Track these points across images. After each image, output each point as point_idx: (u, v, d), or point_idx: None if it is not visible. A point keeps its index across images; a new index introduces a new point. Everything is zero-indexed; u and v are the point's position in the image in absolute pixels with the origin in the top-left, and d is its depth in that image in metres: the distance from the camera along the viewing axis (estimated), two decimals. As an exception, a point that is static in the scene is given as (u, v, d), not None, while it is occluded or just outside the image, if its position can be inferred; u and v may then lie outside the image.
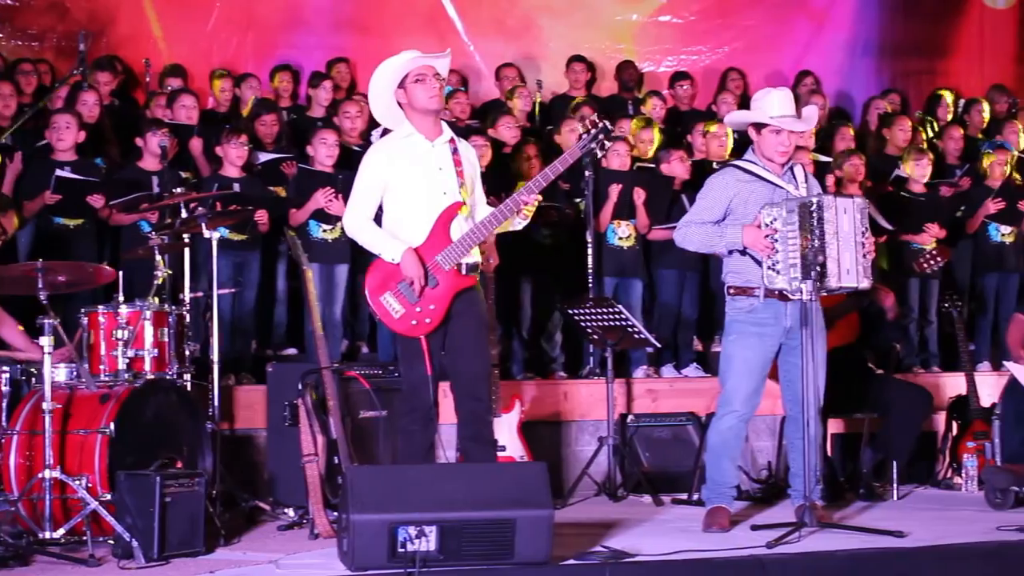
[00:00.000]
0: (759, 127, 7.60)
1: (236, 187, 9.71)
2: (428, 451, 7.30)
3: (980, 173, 11.77)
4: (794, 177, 7.65)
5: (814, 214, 7.29)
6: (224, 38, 13.59)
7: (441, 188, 7.20)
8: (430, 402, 7.14)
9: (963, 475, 9.36)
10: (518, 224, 7.38)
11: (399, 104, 7.29)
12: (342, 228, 9.73)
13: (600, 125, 7.36)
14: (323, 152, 10.02)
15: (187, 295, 8.37)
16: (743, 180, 7.61)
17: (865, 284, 7.51)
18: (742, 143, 11.55)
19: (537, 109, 13.04)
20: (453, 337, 7.17)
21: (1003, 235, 11.46)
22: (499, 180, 9.90)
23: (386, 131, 10.18)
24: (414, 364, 7.14)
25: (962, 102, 14.08)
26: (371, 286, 7.13)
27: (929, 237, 11.01)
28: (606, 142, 7.48)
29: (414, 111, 7.23)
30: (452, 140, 7.35)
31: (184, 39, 13.34)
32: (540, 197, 7.31)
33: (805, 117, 7.79)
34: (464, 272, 7.17)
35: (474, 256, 7.23)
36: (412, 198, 7.18)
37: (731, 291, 7.64)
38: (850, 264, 7.40)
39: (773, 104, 7.61)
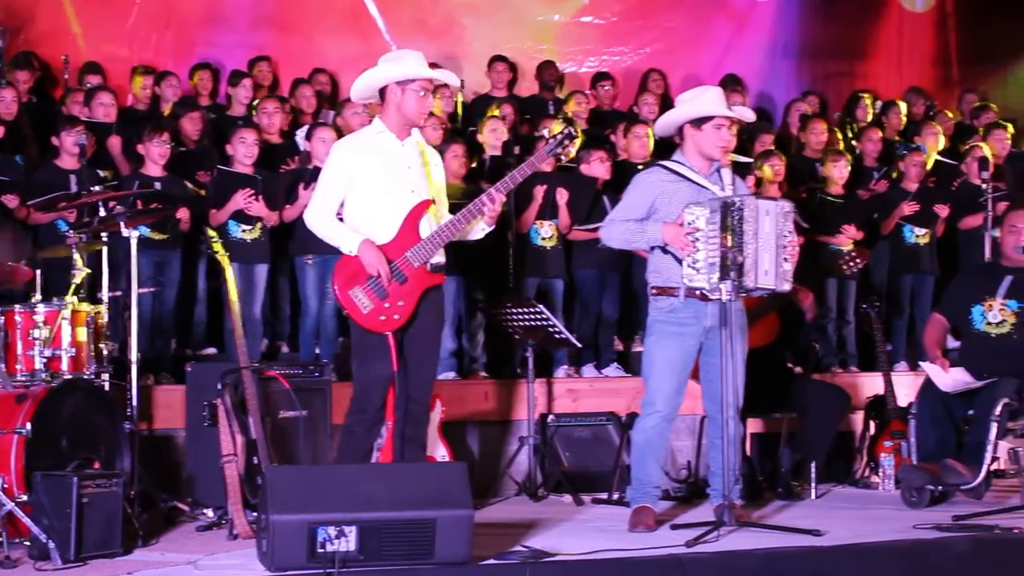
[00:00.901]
0: (699, 124, 7.64)
1: (157, 186, 9.63)
2: (366, 455, 7.35)
3: (897, 175, 11.87)
4: (720, 179, 7.68)
5: (735, 215, 7.33)
6: (144, 35, 13.46)
7: (409, 186, 7.27)
8: (378, 405, 7.23)
9: (880, 474, 9.44)
10: (482, 231, 7.47)
11: (382, 96, 7.33)
12: (261, 228, 9.79)
13: (566, 131, 7.52)
14: (242, 151, 9.96)
15: (105, 294, 8.31)
16: (668, 180, 7.65)
17: (784, 287, 7.56)
18: (664, 144, 11.61)
19: (460, 109, 13.03)
20: (413, 336, 7.23)
21: (918, 237, 11.56)
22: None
23: (310, 131, 10.25)
24: (370, 363, 7.20)
25: (880, 104, 14.20)
26: (340, 281, 7.16)
27: (846, 239, 11.08)
28: (571, 148, 7.58)
29: (397, 112, 7.30)
30: (420, 142, 7.46)
31: (103, 36, 13.21)
32: (504, 198, 7.37)
33: (742, 113, 7.90)
34: (432, 271, 7.22)
35: (440, 255, 7.28)
36: (381, 194, 7.24)
37: (653, 291, 7.67)
38: (769, 266, 7.45)
39: (713, 100, 7.68)
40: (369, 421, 7.27)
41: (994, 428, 8.35)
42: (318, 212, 7.26)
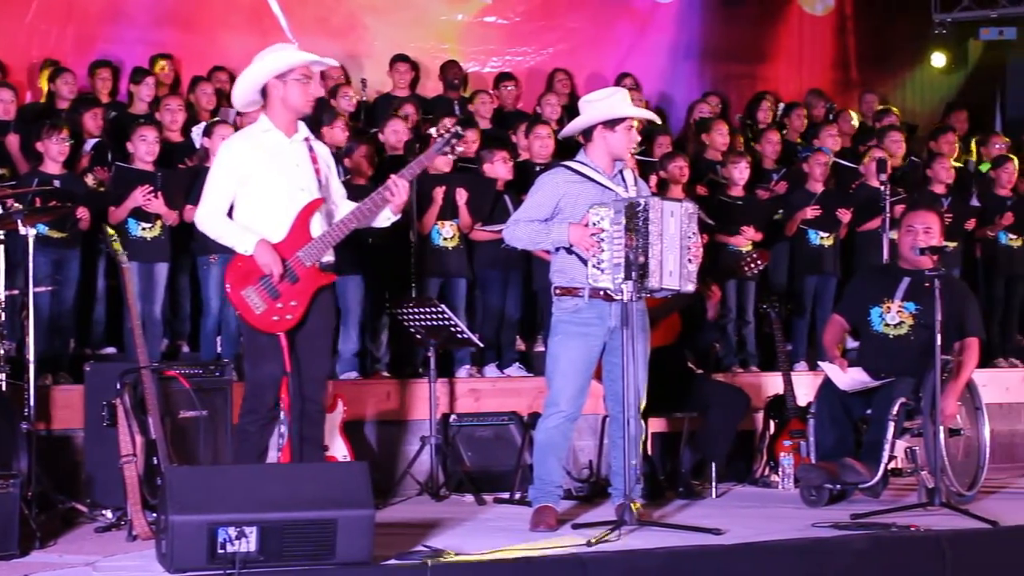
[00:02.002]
0: (612, 125, 7.67)
1: (57, 183, 9.53)
2: (262, 455, 7.31)
3: (799, 177, 11.95)
4: (623, 180, 7.74)
5: (640, 215, 7.37)
6: (44, 31, 13.27)
7: (299, 184, 7.24)
8: (270, 404, 7.18)
9: (780, 473, 9.51)
10: (388, 219, 7.48)
11: (263, 94, 7.28)
12: (161, 226, 9.70)
13: (452, 131, 7.51)
14: (143, 149, 9.85)
15: (2, 293, 8.20)
16: (573, 180, 7.68)
17: (688, 288, 7.62)
18: (566, 145, 11.64)
19: (362, 108, 13.00)
20: (305, 336, 7.20)
21: (822, 239, 11.64)
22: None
23: (209, 128, 10.18)
24: (262, 363, 7.16)
25: (782, 106, 14.33)
26: (232, 280, 7.12)
27: (745, 239, 11.16)
28: (459, 147, 7.59)
29: (283, 107, 7.25)
30: (307, 139, 7.40)
31: (1, 32, 13.05)
32: (408, 185, 7.37)
33: (652, 115, 8.00)
34: (322, 270, 7.20)
35: (330, 255, 7.26)
36: (270, 193, 7.19)
37: (557, 291, 7.70)
38: (673, 267, 7.50)
39: (626, 102, 7.74)
40: (261, 420, 7.24)
41: (891, 427, 8.44)
42: (208, 211, 7.21)
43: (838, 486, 8.57)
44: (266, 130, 7.26)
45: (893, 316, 8.89)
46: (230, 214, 7.26)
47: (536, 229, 7.63)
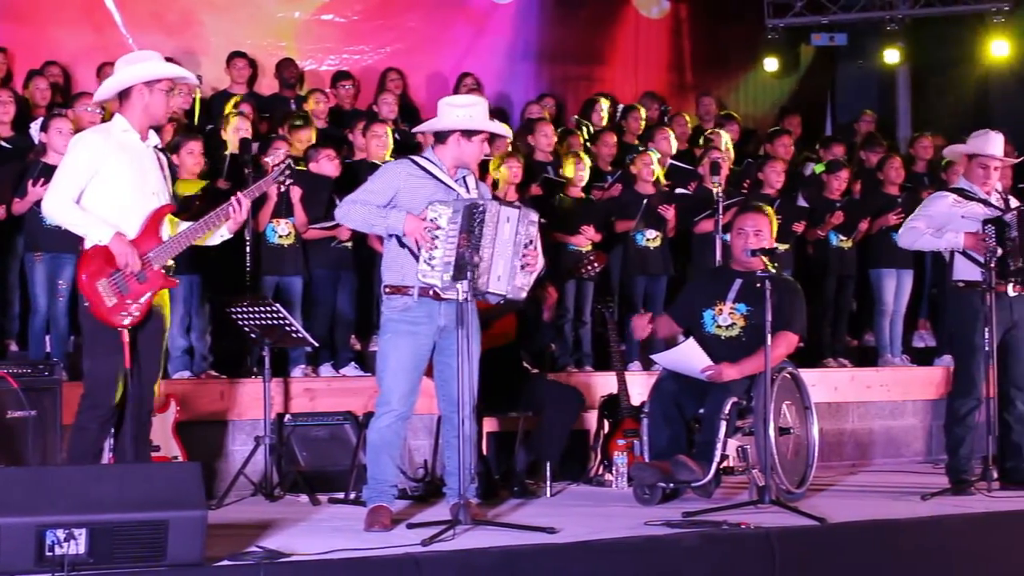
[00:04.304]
0: (469, 136, 7.69)
1: None
2: (98, 453, 7.25)
3: (631, 178, 12.04)
4: (466, 184, 7.76)
5: (477, 217, 7.40)
6: None
7: (151, 188, 7.26)
8: (112, 402, 7.11)
9: (614, 472, 9.58)
10: (220, 237, 7.49)
11: (122, 96, 7.27)
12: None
13: (287, 162, 7.80)
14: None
15: None
16: (415, 174, 7.69)
17: (520, 296, 7.67)
18: (404, 144, 11.65)
19: (197, 106, 12.88)
20: (143, 337, 7.17)
21: (647, 239, 11.76)
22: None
23: (46, 123, 10.00)
24: (105, 358, 7.09)
25: (621, 107, 14.44)
26: (88, 271, 7.04)
27: (584, 239, 11.23)
28: (288, 183, 7.75)
29: (143, 112, 7.26)
30: (157, 146, 7.43)
31: None
32: (250, 204, 7.42)
33: (506, 131, 8.05)
34: (166, 274, 7.19)
35: (170, 260, 7.25)
36: (123, 192, 7.15)
37: (386, 289, 7.69)
38: (503, 272, 7.55)
39: (484, 115, 7.81)
40: (103, 417, 7.16)
41: (723, 426, 8.55)
42: (61, 200, 7.12)
43: (671, 485, 8.66)
44: (125, 130, 7.24)
45: (725, 318, 9.01)
46: None
47: (373, 212, 7.60)
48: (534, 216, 7.72)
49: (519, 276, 7.62)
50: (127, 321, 7.05)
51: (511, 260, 7.55)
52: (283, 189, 8.32)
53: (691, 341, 8.88)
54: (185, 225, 7.34)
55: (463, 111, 7.75)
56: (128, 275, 7.02)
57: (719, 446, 8.55)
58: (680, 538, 7.25)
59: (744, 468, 8.72)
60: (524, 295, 7.73)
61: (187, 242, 7.26)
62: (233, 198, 7.34)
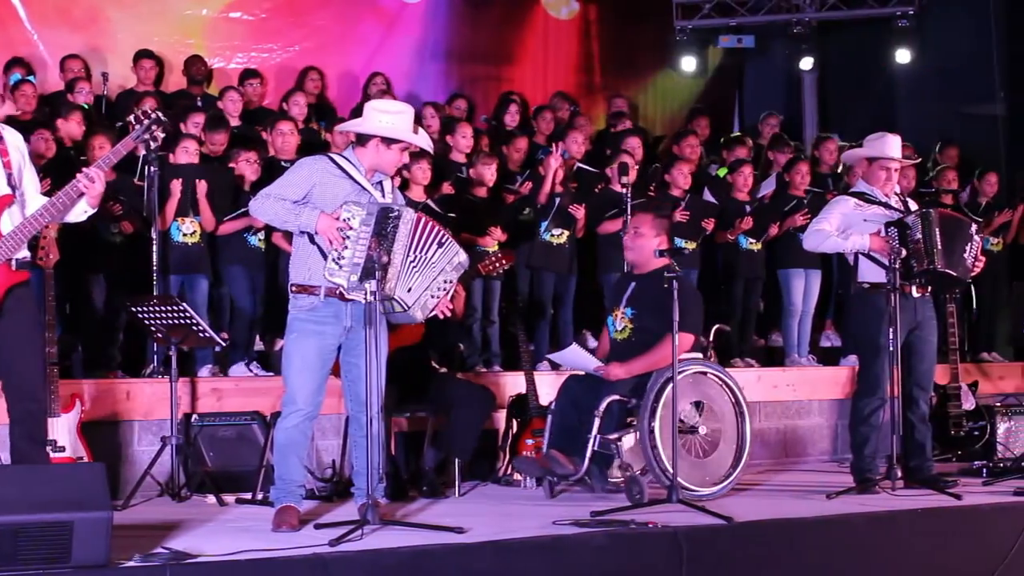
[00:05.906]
0: (389, 143, 7.64)
1: None
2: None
3: (539, 177, 12.05)
4: (381, 188, 7.72)
5: (391, 223, 7.39)
6: None
7: None
8: None
9: (522, 471, 9.61)
10: (84, 212, 7.17)
11: None
12: None
13: (153, 116, 7.24)
14: None
15: None
16: (331, 172, 7.63)
17: (416, 316, 7.72)
18: (309, 143, 11.60)
19: (104, 102, 12.76)
20: (5, 336, 6.93)
21: (553, 236, 11.78)
22: (67, 174, 9.63)
23: None
24: None
25: (533, 108, 14.46)
26: None
27: (492, 239, 11.24)
28: (159, 133, 7.32)
29: None
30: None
31: None
32: (103, 176, 7.09)
33: (428, 143, 8.03)
34: (15, 268, 6.94)
35: (24, 251, 7.00)
36: None
37: (293, 288, 7.66)
38: (415, 286, 7.58)
39: (408, 126, 7.73)
40: None
41: (596, 423, 8.71)
42: None
43: (553, 478, 8.87)
44: None
45: (620, 322, 9.16)
46: None
47: (286, 208, 7.52)
48: (447, 239, 7.69)
49: (429, 301, 7.65)
50: None
51: (424, 278, 7.58)
52: (153, 145, 8.00)
53: (574, 345, 9.22)
54: (34, 210, 7.01)
55: (387, 118, 7.68)
56: None
57: (591, 442, 8.71)
58: (588, 537, 7.27)
59: (626, 465, 8.75)
60: (421, 318, 7.75)
61: (33, 230, 6.94)
62: (79, 174, 7.00)
